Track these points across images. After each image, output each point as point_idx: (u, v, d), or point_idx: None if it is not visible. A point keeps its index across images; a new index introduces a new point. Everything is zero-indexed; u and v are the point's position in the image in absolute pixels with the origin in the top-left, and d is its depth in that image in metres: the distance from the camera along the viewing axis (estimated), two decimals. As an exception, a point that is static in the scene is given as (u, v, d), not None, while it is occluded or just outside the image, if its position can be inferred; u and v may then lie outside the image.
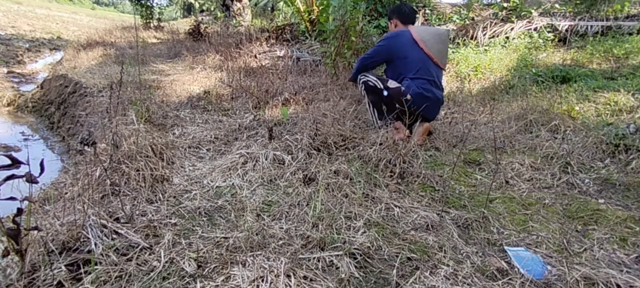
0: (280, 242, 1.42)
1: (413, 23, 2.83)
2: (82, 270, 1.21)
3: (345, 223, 1.56)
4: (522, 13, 5.86)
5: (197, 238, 1.45)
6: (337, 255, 1.33)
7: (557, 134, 2.73)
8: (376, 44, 2.81)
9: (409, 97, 2.53)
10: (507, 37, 5.54)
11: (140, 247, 1.34)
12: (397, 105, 2.48)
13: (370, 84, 2.66)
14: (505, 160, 2.35)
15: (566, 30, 5.45)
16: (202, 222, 1.58)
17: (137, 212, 1.59)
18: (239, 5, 9.51)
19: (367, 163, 2.16)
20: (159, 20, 9.62)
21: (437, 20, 6.45)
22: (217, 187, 1.91)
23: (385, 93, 2.59)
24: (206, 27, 7.77)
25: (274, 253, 1.34)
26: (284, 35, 6.51)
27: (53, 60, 8.89)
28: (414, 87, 2.56)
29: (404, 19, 2.83)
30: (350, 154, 2.27)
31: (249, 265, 1.26)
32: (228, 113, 3.30)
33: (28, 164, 1.13)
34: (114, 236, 1.38)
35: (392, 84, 2.61)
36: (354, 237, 1.47)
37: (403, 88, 2.57)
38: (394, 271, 1.30)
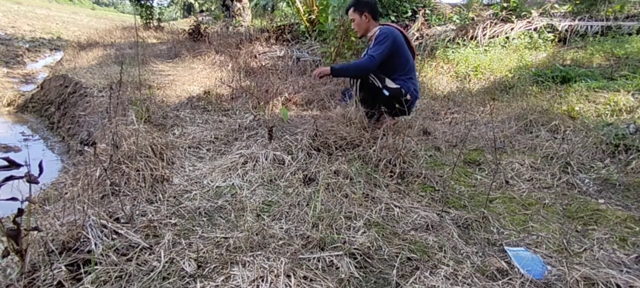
0: (280, 242, 1.42)
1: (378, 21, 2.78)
2: (82, 270, 1.21)
3: (345, 223, 1.56)
4: (522, 13, 5.86)
5: (197, 238, 1.45)
6: (337, 255, 1.33)
7: (557, 134, 2.73)
8: (381, 43, 2.53)
9: (408, 97, 2.54)
10: (507, 37, 5.54)
11: (140, 247, 1.34)
12: (396, 105, 2.48)
13: (369, 81, 2.63)
14: (505, 160, 2.35)
15: (566, 30, 5.46)
16: (202, 222, 1.58)
17: (137, 212, 1.59)
18: (239, 5, 9.52)
19: (367, 163, 2.16)
20: (159, 20, 9.62)
21: (437, 20, 6.45)
22: (217, 187, 1.91)
23: (386, 92, 2.58)
24: (206, 27, 7.77)
25: (274, 253, 1.34)
26: (284, 35, 6.52)
27: (53, 60, 8.89)
28: (412, 89, 2.60)
29: (375, 15, 2.73)
30: (350, 154, 2.27)
31: (249, 265, 1.26)
32: (228, 113, 3.30)
33: (28, 165, 1.13)
34: (114, 236, 1.38)
35: (390, 83, 2.58)
36: (354, 237, 1.47)
37: (403, 89, 2.58)
38: (394, 271, 1.30)
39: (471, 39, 5.73)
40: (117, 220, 1.50)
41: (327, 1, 5.04)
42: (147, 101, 3.15)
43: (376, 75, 2.60)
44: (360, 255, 1.36)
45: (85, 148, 2.76)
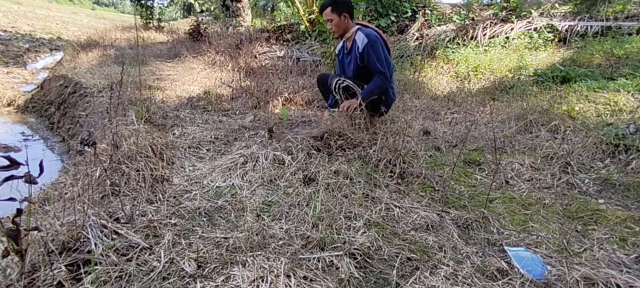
0: (280, 242, 1.42)
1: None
2: (82, 270, 1.21)
3: (345, 224, 1.56)
4: (522, 13, 5.86)
5: (197, 238, 1.45)
6: (337, 255, 1.33)
7: (557, 134, 2.73)
8: (375, 49, 2.47)
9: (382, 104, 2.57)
10: (507, 37, 5.54)
11: (140, 247, 1.34)
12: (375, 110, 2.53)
13: (350, 91, 2.60)
14: (505, 160, 2.35)
15: (566, 31, 5.46)
16: (202, 222, 1.58)
17: (137, 212, 1.59)
18: (239, 5, 9.52)
19: (367, 163, 2.16)
20: (159, 20, 9.62)
21: (437, 20, 6.45)
22: (217, 187, 1.91)
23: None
24: (206, 28, 7.77)
25: (274, 253, 1.34)
26: (284, 36, 6.53)
27: (53, 60, 8.90)
28: (390, 94, 2.59)
29: (352, 15, 2.62)
30: (350, 154, 2.27)
31: (249, 265, 1.26)
32: (228, 113, 3.30)
33: (27, 165, 1.13)
34: (114, 236, 1.38)
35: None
36: (354, 237, 1.47)
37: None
38: (394, 271, 1.30)
39: (471, 39, 5.73)
40: (117, 220, 1.50)
41: (327, 1, 5.03)
42: (147, 101, 3.15)
43: (355, 83, 2.56)
44: (360, 255, 1.36)
45: (85, 148, 2.75)
